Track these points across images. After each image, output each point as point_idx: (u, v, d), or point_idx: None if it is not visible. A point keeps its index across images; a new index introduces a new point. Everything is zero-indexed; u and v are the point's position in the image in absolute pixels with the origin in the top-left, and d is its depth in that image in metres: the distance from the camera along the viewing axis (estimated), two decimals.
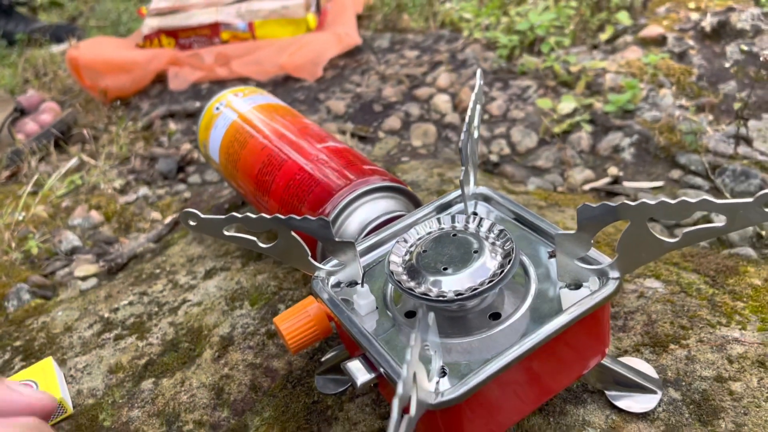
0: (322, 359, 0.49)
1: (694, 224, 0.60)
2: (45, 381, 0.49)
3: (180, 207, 0.81)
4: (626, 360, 0.43)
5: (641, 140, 0.71)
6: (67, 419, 0.49)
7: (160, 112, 1.08)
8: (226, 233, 0.40)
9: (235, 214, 0.39)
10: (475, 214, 0.46)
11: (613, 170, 0.69)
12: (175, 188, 0.87)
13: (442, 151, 0.79)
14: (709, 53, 0.86)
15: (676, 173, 0.66)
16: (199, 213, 0.39)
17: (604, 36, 0.96)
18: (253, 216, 0.39)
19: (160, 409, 0.47)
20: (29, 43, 1.89)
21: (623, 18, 0.97)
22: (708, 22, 0.89)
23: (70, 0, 2.72)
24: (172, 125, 1.05)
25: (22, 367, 0.55)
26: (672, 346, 0.44)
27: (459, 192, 0.47)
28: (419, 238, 0.41)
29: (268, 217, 0.39)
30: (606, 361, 0.40)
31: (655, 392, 0.41)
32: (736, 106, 0.64)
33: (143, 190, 0.87)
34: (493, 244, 0.39)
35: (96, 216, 0.82)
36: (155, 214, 0.81)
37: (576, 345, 0.38)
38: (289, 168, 0.53)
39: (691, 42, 0.88)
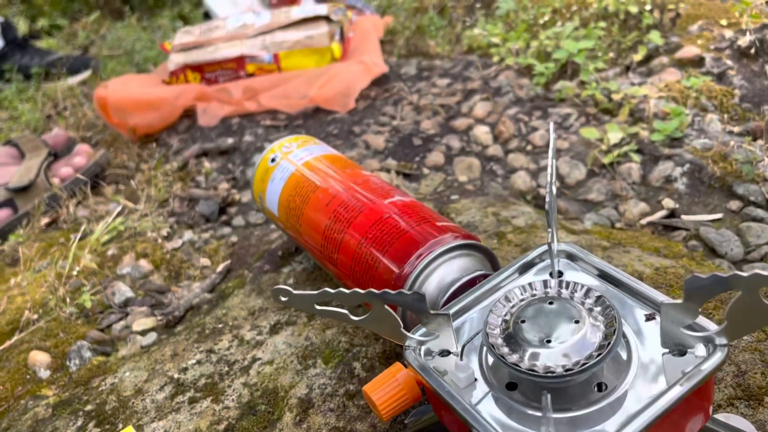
0: (406, 420, 0.49)
1: (761, 260, 0.60)
2: None
3: (228, 252, 0.82)
4: (723, 417, 0.43)
5: (694, 169, 0.71)
6: None
7: (193, 151, 1.08)
8: (317, 308, 0.40)
9: (328, 289, 0.39)
10: (560, 273, 0.46)
11: (668, 202, 0.68)
12: (220, 231, 0.87)
13: (488, 186, 0.79)
14: (749, 73, 0.86)
15: (734, 204, 0.66)
16: (290, 289, 0.39)
17: (637, 57, 0.96)
18: (347, 291, 0.39)
19: None
20: (46, 76, 1.90)
21: (655, 38, 0.97)
22: (745, 41, 0.89)
23: (71, 25, 2.73)
24: (207, 164, 1.05)
25: None
26: (767, 399, 0.43)
27: (540, 250, 0.47)
28: (513, 306, 0.41)
29: (362, 292, 0.39)
30: (710, 423, 0.40)
31: None
32: None
33: (188, 235, 0.87)
34: (590, 310, 0.39)
35: (145, 264, 0.82)
36: (204, 260, 0.81)
37: (683, 412, 0.38)
38: (359, 226, 0.53)
39: (729, 62, 0.88)
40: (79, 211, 1.02)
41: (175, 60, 1.27)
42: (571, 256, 0.46)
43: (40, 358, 0.68)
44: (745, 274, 0.33)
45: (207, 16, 1.65)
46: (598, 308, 0.39)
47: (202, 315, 0.69)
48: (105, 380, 0.62)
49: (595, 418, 0.36)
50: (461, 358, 0.41)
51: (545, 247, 0.46)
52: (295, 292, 0.39)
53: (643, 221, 0.67)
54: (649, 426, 0.34)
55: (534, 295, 0.41)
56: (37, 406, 0.61)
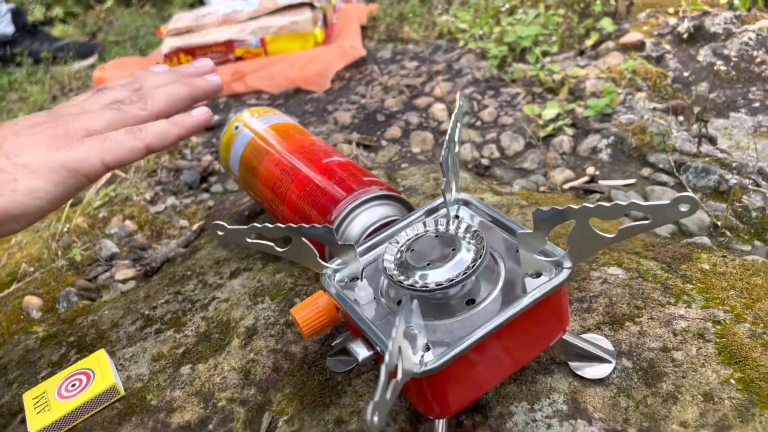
0: (333, 343, 0.58)
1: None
2: (99, 369, 0.58)
3: (205, 215, 0.90)
4: (587, 336, 0.51)
5: (617, 141, 0.79)
6: (120, 400, 0.57)
7: None
8: (248, 240, 0.49)
9: (255, 224, 0.47)
10: (457, 217, 0.54)
11: (590, 170, 0.76)
12: (200, 197, 0.96)
13: (438, 156, 0.87)
14: (685, 56, 0.93)
15: (646, 171, 0.74)
16: (225, 224, 0.47)
17: (589, 42, 1.04)
18: (271, 225, 0.48)
19: (197, 390, 0.56)
20: (54, 60, 2.00)
21: (607, 24, 1.05)
22: (684, 27, 0.96)
23: (85, 12, 2.83)
24: (194, 138, 1.14)
25: (77, 359, 0.64)
26: (627, 324, 0.52)
27: (442, 199, 0.55)
28: (408, 239, 0.50)
29: (282, 225, 0.48)
30: (569, 337, 0.48)
31: (610, 362, 0.49)
32: (697, 110, 0.71)
33: (171, 200, 0.96)
34: (468, 242, 0.47)
35: (130, 225, 0.91)
36: (183, 222, 0.90)
37: (540, 322, 0.46)
38: (300, 181, 0.62)
39: (667, 46, 0.95)
40: None
41: (169, 43, 1.36)
42: (467, 203, 0.54)
43: (33, 302, 0.78)
44: (576, 206, 0.41)
45: (201, 2, 1.74)
46: (473, 240, 0.47)
47: (176, 265, 0.78)
48: (87, 318, 0.71)
49: (466, 325, 0.45)
50: (361, 280, 0.49)
51: None
52: (229, 227, 0.48)
53: (566, 186, 0.75)
54: (500, 326, 0.42)
55: (426, 231, 0.50)
56: (28, 339, 0.71)
